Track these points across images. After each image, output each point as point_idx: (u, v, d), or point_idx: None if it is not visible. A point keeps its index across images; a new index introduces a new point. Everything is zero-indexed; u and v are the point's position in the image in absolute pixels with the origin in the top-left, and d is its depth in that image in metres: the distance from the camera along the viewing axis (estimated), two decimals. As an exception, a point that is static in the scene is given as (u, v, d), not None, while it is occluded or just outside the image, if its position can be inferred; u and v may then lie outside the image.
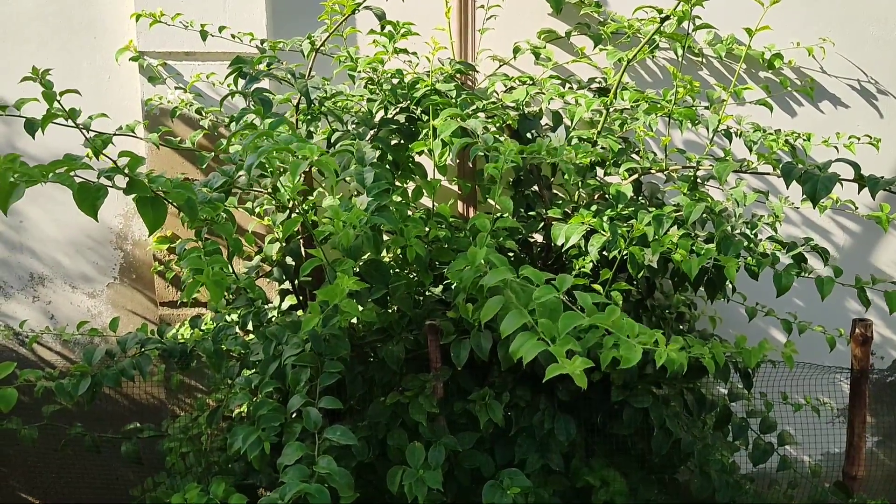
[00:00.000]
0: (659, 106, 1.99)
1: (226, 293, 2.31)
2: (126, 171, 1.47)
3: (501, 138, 2.25)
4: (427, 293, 2.42)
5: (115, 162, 1.48)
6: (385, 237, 1.99)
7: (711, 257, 1.87)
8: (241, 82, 1.77)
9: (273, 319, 2.36)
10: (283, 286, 2.52)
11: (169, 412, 2.97)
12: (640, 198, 2.51)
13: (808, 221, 2.92)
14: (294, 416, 1.82)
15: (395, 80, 2.12)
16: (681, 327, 2.46)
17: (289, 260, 2.37)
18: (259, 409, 1.79)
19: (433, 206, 2.17)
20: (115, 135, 2.14)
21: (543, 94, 2.31)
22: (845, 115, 2.88)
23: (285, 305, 2.51)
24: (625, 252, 1.97)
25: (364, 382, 2.21)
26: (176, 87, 2.68)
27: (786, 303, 2.80)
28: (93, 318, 2.97)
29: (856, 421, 2.20)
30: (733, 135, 2.40)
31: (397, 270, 2.29)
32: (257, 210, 2.41)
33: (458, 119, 1.90)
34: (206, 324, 2.29)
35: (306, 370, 1.83)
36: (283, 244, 2.37)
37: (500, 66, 2.67)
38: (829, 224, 2.95)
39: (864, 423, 2.20)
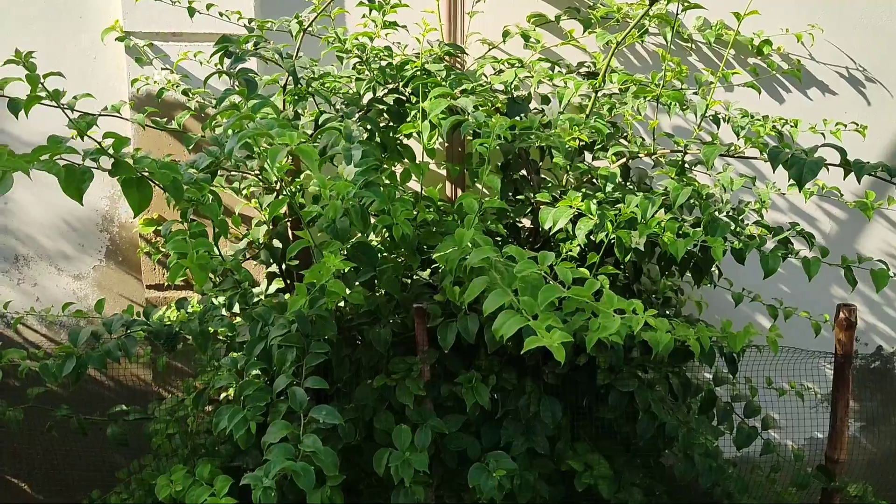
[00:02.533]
0: (648, 89, 1.99)
1: (212, 275, 2.31)
2: (111, 152, 1.45)
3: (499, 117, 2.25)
4: (415, 277, 2.42)
5: (99, 143, 1.46)
6: (372, 220, 1.99)
7: (698, 239, 1.87)
8: (227, 62, 1.75)
9: (260, 302, 2.36)
10: (270, 269, 2.52)
11: (155, 395, 2.96)
12: (628, 183, 2.51)
13: (794, 208, 2.93)
14: (280, 396, 1.83)
15: (383, 61, 2.11)
16: (667, 312, 2.47)
17: (276, 243, 2.36)
18: (245, 389, 1.79)
19: (421, 189, 2.16)
20: (100, 115, 2.13)
21: (532, 76, 2.30)
22: (833, 102, 2.89)
23: (273, 288, 2.51)
24: (612, 236, 1.97)
25: (351, 365, 2.21)
26: (163, 68, 2.65)
27: (772, 289, 2.81)
28: (79, 301, 2.95)
29: (839, 405, 2.22)
30: (721, 120, 2.40)
31: (385, 254, 2.29)
32: (244, 192, 2.40)
33: (449, 98, 1.90)
34: (192, 306, 2.28)
35: (292, 350, 1.82)
36: (271, 227, 2.36)
37: (490, 49, 2.66)
38: (815, 211, 2.96)
39: (847, 407, 2.22)
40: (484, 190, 1.85)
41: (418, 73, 2.04)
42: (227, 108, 1.65)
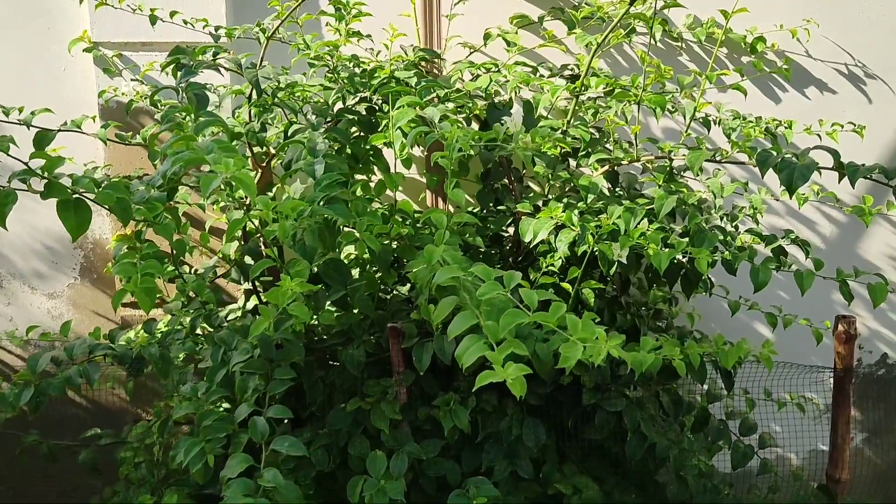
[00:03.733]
0: (629, 93, 1.88)
1: (182, 296, 2.21)
2: (45, 173, 1.36)
3: (466, 128, 2.15)
4: (395, 292, 2.32)
5: (26, 164, 1.37)
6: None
7: (682, 251, 1.76)
8: (179, 76, 1.65)
9: (234, 320, 2.26)
10: (247, 286, 2.42)
11: (133, 416, 2.87)
12: (616, 189, 2.40)
13: (792, 212, 2.81)
14: (243, 426, 1.73)
15: (355, 68, 2.01)
16: (658, 324, 2.36)
17: (248, 259, 2.26)
18: (204, 419, 1.69)
19: (395, 201, 2.06)
20: (58, 131, 2.05)
21: (509, 81, 2.19)
22: (832, 100, 2.77)
23: (251, 304, 2.41)
24: (594, 248, 1.87)
25: (325, 388, 2.11)
26: (132, 79, 2.56)
27: (770, 296, 2.70)
28: (54, 320, 2.86)
29: (839, 422, 2.10)
30: (712, 122, 2.29)
31: (361, 270, 2.20)
32: (215, 206, 2.30)
33: (417, 107, 1.79)
34: (159, 327, 2.19)
35: (254, 377, 1.72)
36: (242, 243, 2.27)
37: (471, 52, 2.56)
38: (814, 214, 2.84)
39: (849, 423, 2.10)
40: (463, 199, 1.74)
41: (387, 80, 1.94)
42: (170, 125, 1.56)
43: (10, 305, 2.86)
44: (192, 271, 2.36)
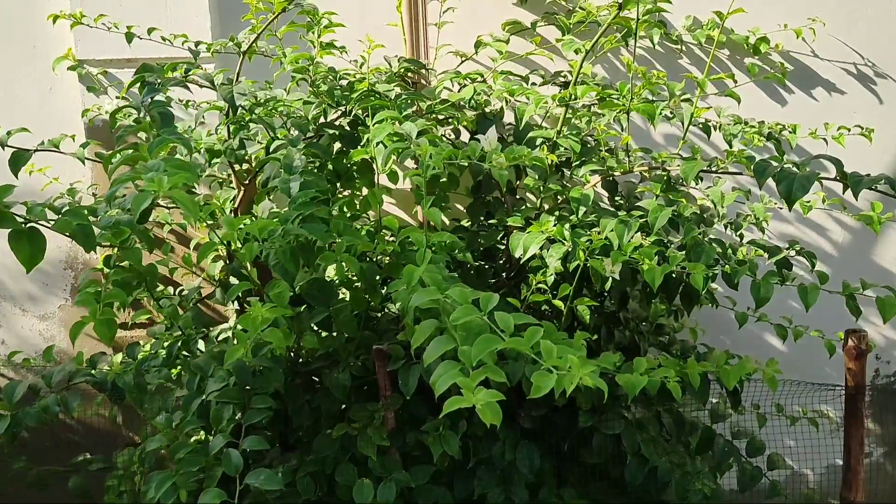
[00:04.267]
0: (616, 102, 1.79)
1: (163, 318, 2.14)
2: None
3: (449, 141, 2.07)
4: (385, 311, 2.24)
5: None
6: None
7: (678, 265, 1.67)
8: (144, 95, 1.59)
9: (223, 341, 2.19)
10: (235, 306, 2.35)
11: (125, 439, 2.81)
12: (616, 198, 2.31)
13: (802, 218, 2.70)
14: (218, 458, 1.65)
15: (340, 81, 1.94)
16: (661, 339, 2.26)
17: (233, 279, 2.19)
18: (178, 451, 1.62)
19: (379, 218, 1.99)
20: (35, 151, 2.00)
21: (493, 91, 2.11)
22: (840, 102, 2.66)
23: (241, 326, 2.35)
24: (585, 263, 1.78)
25: (311, 413, 2.03)
26: (117, 97, 2.51)
27: (782, 306, 2.59)
28: (46, 342, 2.81)
29: (852, 442, 1.99)
30: (712, 128, 2.20)
31: (350, 289, 2.12)
32: (198, 226, 2.24)
33: (396, 122, 1.72)
34: (145, 349, 2.12)
35: (229, 407, 1.65)
36: (227, 262, 2.20)
37: (463, 61, 2.48)
38: (826, 220, 2.73)
39: (862, 444, 1.99)
40: (440, 218, 1.66)
41: (367, 94, 1.86)
42: (127, 146, 1.49)
43: (1, 328, 2.81)
44: (178, 292, 2.30)
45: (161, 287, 2.15)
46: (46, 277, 2.77)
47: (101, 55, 2.52)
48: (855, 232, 2.75)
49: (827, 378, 2.48)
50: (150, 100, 1.52)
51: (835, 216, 2.73)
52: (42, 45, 2.62)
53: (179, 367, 1.91)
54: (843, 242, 2.76)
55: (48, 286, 2.79)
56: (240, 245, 1.53)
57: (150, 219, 2.36)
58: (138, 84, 1.59)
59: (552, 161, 1.97)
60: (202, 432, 1.81)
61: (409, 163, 2.49)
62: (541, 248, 1.89)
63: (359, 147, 1.93)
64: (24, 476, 2.42)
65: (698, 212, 2.16)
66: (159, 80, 1.59)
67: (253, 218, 1.92)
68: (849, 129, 2.26)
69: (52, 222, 1.46)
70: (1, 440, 1.87)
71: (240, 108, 1.87)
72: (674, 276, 1.84)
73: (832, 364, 2.43)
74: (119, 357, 2.21)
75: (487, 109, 2.25)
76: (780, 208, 2.44)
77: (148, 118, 1.49)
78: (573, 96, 1.85)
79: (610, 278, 1.81)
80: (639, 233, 1.78)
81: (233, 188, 2.17)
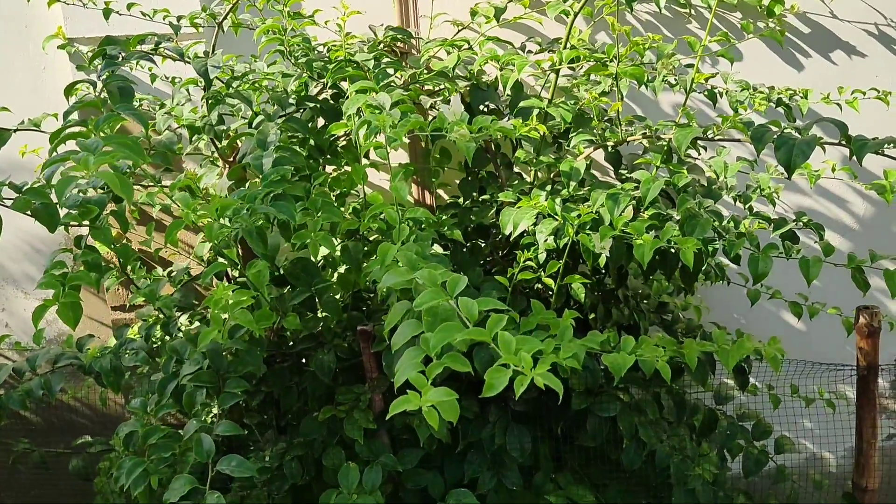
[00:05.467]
0: (605, 68, 1.69)
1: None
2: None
3: (444, 111, 1.98)
4: (377, 293, 2.18)
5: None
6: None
7: (669, 239, 1.58)
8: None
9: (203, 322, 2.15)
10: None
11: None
12: (620, 170, 2.21)
13: (820, 189, 2.57)
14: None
15: (312, 52, 1.86)
16: (664, 318, 2.16)
17: (221, 259, 2.14)
18: (150, 436, 1.58)
19: (364, 194, 1.91)
20: (15, 130, 1.96)
21: (479, 58, 2.01)
22: (861, 65, 2.51)
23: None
24: (574, 239, 1.69)
25: (300, 395, 1.98)
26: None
27: (796, 282, 2.47)
28: (48, 325, 2.81)
29: (864, 425, 1.88)
30: (718, 95, 2.08)
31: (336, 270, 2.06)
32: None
33: (370, 93, 1.64)
34: (133, 331, 2.09)
35: (202, 391, 1.60)
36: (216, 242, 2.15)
37: (459, 31, 2.38)
38: (845, 192, 2.59)
39: (875, 426, 1.88)
40: (406, 195, 1.58)
41: (343, 63, 1.78)
42: (74, 122, 1.44)
43: (3, 311, 2.81)
44: (167, 272, 2.26)
45: (146, 268, 2.10)
46: (46, 259, 2.75)
47: (91, 33, 2.47)
48: (878, 204, 2.61)
49: (848, 358, 2.36)
50: (108, 73, 1.46)
51: (856, 187, 2.59)
52: (34, 24, 2.58)
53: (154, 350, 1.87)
54: (863, 215, 2.62)
55: (49, 268, 2.77)
56: (203, 224, 1.47)
57: (139, 199, 2.34)
58: (100, 56, 1.53)
59: (545, 133, 1.88)
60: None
61: (405, 139, 2.41)
62: (532, 224, 1.81)
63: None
64: (26, 458, 2.42)
65: (705, 183, 2.05)
66: (122, 54, 1.53)
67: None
68: (864, 93, 2.12)
69: (11, 202, 1.42)
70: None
71: (217, 82, 1.80)
72: (672, 250, 1.75)
73: (852, 342, 2.31)
74: (113, 340, 2.19)
75: (483, 79, 2.16)
76: (787, 177, 2.31)
77: (104, 93, 1.43)
78: (560, 61, 1.74)
79: (602, 255, 1.72)
80: (636, 205, 1.68)
81: (218, 166, 2.12)
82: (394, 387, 1.87)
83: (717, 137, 1.70)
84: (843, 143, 1.51)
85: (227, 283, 1.54)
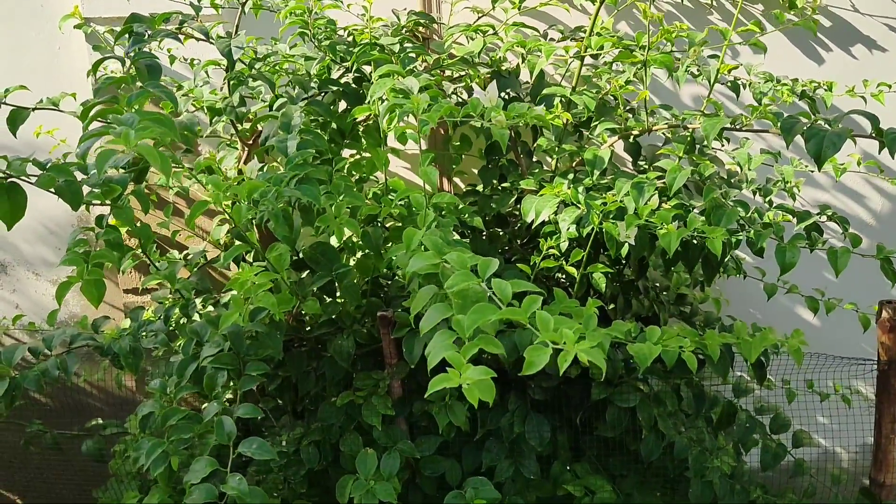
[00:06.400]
0: (633, 54, 1.68)
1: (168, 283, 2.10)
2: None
3: (480, 96, 1.97)
4: (396, 278, 2.16)
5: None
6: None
7: (696, 230, 1.57)
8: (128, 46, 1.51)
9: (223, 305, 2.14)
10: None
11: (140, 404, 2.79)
12: (639, 161, 2.20)
13: (837, 184, 2.56)
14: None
15: (335, 35, 1.85)
16: (682, 309, 2.16)
17: (238, 242, 2.13)
18: (170, 417, 1.57)
19: (385, 179, 1.90)
20: (34, 109, 1.94)
21: (504, 44, 2.00)
22: (882, 59, 2.50)
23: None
24: (598, 228, 1.68)
25: (317, 380, 1.97)
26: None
27: (813, 277, 2.46)
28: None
29: (883, 420, 1.88)
30: (741, 86, 2.07)
31: (354, 254, 2.05)
32: (207, 188, 2.18)
33: (398, 77, 1.62)
34: (147, 314, 2.08)
35: (223, 373, 1.59)
36: (232, 225, 2.14)
37: (479, 17, 2.36)
38: (862, 186, 2.58)
39: (894, 422, 1.87)
40: (435, 180, 1.57)
41: (368, 47, 1.77)
42: (105, 99, 1.42)
43: (15, 292, 2.80)
44: (183, 255, 2.25)
45: (159, 251, 2.09)
46: (60, 241, 2.75)
47: (108, 13, 2.46)
48: (894, 199, 2.60)
49: (864, 354, 2.36)
50: (135, 50, 1.44)
51: (872, 182, 2.58)
52: (49, 4, 2.56)
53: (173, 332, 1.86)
54: (880, 211, 2.61)
55: (61, 250, 2.76)
56: (226, 206, 1.46)
57: (156, 181, 2.33)
58: (126, 34, 1.52)
59: (568, 121, 1.87)
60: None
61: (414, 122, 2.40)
62: (554, 213, 1.80)
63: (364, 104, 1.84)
64: (39, 439, 2.41)
65: (724, 175, 2.04)
66: (148, 31, 1.51)
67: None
68: (889, 86, 2.11)
69: (36, 178, 1.41)
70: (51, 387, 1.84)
71: (240, 64, 1.79)
72: (695, 241, 1.74)
73: (867, 339, 2.30)
74: (126, 322, 2.18)
75: (504, 67, 2.14)
76: (812, 171, 2.30)
77: (133, 70, 1.42)
78: (587, 48, 1.73)
79: (626, 244, 1.71)
80: (658, 196, 1.67)
81: (237, 148, 2.11)
82: (413, 373, 1.89)
83: (743, 128, 1.69)
84: (875, 136, 1.50)
85: (249, 266, 1.52)
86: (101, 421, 2.46)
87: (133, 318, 2.06)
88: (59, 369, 1.88)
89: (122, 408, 2.79)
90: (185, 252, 2.25)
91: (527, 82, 2.24)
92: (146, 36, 1.50)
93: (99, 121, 1.47)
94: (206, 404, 1.59)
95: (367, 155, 2.04)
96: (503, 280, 1.23)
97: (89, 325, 2.07)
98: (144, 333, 1.79)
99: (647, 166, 2.17)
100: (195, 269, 2.09)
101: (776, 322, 2.59)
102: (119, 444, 2.20)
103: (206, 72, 2.12)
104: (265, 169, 2.17)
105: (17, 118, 1.87)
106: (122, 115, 1.21)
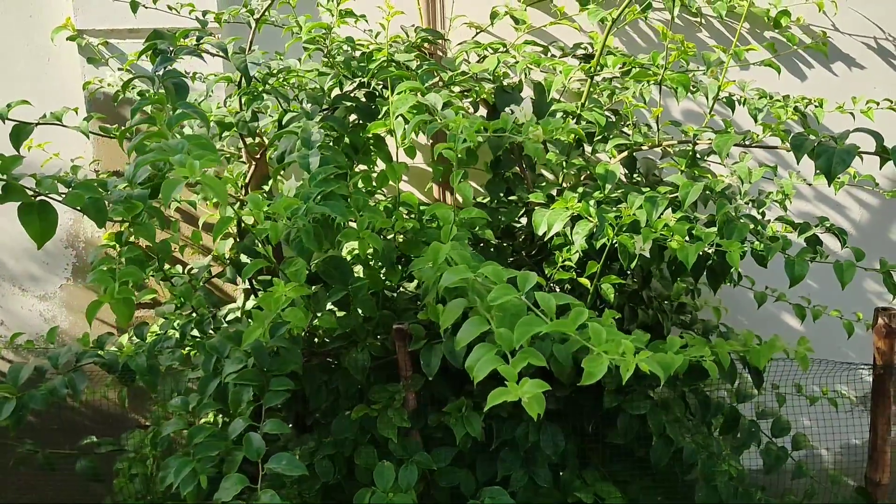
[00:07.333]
0: (649, 72, 1.73)
1: (177, 298, 2.08)
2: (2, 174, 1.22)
3: (471, 114, 2.01)
4: (402, 289, 2.18)
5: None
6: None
7: (711, 242, 1.62)
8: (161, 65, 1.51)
9: (233, 321, 2.13)
10: (245, 285, 2.29)
11: (133, 422, 2.75)
12: (634, 175, 2.25)
13: (819, 195, 2.65)
14: (238, 443, 1.60)
15: (353, 52, 1.87)
16: (682, 318, 2.22)
17: (244, 258, 2.12)
18: (195, 435, 1.56)
19: (398, 194, 1.92)
20: (37, 124, 1.91)
21: (518, 62, 2.04)
22: (861, 76, 2.61)
23: (250, 305, 2.28)
24: (614, 241, 1.72)
25: (329, 393, 1.98)
26: (119, 69, 2.43)
27: (799, 286, 2.55)
28: (47, 323, 2.74)
29: (879, 422, 1.96)
30: (736, 102, 2.14)
31: (366, 267, 2.06)
32: (207, 203, 2.17)
33: (418, 93, 1.65)
34: (152, 329, 2.06)
35: (248, 389, 1.59)
36: (237, 240, 2.13)
37: (477, 33, 2.40)
38: (842, 197, 2.68)
39: (889, 424, 1.96)
40: (471, 194, 1.60)
41: (385, 63, 1.79)
42: (141, 120, 1.42)
43: (1, 309, 2.74)
44: (186, 270, 2.24)
45: (167, 266, 2.08)
46: (47, 256, 2.70)
47: (103, 25, 2.44)
48: (872, 210, 2.71)
49: (846, 359, 2.45)
50: (163, 69, 1.44)
51: (853, 194, 2.68)
52: (39, 14, 2.53)
53: (189, 349, 1.84)
54: (860, 221, 2.71)
55: (49, 265, 2.71)
56: (264, 224, 1.46)
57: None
58: (149, 53, 1.52)
59: (578, 135, 1.91)
60: (212, 415, 1.75)
61: (421, 138, 2.42)
62: (565, 226, 1.84)
63: (376, 120, 1.86)
64: (31, 459, 2.35)
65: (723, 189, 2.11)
66: (172, 49, 1.51)
67: (265, 195, 1.85)
68: (877, 104, 2.21)
69: (63, 196, 1.39)
70: (7, 423, 1.80)
71: (252, 79, 1.79)
72: (701, 253, 1.79)
73: (851, 345, 2.40)
74: (125, 338, 2.15)
75: (506, 82, 2.18)
76: (810, 184, 2.39)
77: (162, 90, 1.41)
78: (601, 66, 1.78)
79: (637, 256, 1.76)
80: (668, 210, 1.72)
81: (243, 163, 2.10)
82: (427, 385, 1.91)
83: (753, 144, 1.75)
84: (879, 153, 1.57)
85: (280, 281, 1.53)
86: (95, 439, 2.42)
87: (138, 334, 2.03)
88: (67, 388, 1.85)
89: (112, 425, 2.74)
90: (188, 267, 2.24)
91: (532, 97, 2.27)
92: (170, 53, 1.49)
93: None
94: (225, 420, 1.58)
95: (375, 168, 2.06)
96: (545, 293, 1.26)
97: (90, 342, 2.04)
98: (159, 350, 1.77)
99: (641, 179, 2.23)
100: (201, 284, 2.08)
101: (763, 328, 2.66)
102: (121, 461, 2.17)
103: (207, 85, 2.12)
104: (284, 187, 2.17)
105: (20, 133, 1.84)
106: (171, 141, 1.21)
